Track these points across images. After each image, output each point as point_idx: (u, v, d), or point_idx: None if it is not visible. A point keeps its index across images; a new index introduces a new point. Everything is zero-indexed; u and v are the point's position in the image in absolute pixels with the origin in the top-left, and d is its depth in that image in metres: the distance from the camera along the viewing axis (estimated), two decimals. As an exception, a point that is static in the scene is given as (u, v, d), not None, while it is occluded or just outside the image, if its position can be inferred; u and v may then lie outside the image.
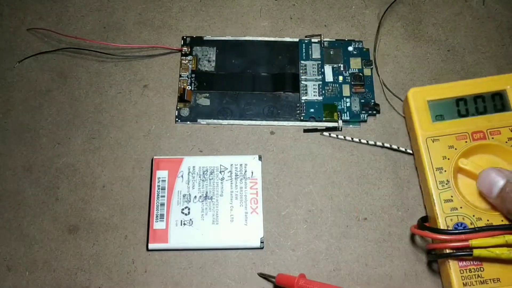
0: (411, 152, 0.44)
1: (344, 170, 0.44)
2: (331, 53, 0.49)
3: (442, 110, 0.42)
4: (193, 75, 0.48)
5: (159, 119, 0.46)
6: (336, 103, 0.47)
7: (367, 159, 0.45)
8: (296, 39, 0.49)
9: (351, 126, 0.46)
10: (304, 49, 0.49)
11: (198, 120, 0.46)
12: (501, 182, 0.33)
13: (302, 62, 0.48)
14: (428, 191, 0.40)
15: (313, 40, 0.49)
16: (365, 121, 0.46)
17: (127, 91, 0.47)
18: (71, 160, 0.44)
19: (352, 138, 0.45)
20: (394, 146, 0.44)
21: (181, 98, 0.47)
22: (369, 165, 0.44)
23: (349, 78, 0.48)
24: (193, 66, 0.48)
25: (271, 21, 0.51)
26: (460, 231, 0.36)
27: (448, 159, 0.40)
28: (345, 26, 0.50)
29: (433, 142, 0.41)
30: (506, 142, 0.40)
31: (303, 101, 0.47)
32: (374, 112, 0.46)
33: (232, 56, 0.49)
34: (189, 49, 0.49)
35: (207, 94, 0.47)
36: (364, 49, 0.49)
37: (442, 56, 0.49)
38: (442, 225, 0.38)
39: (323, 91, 0.47)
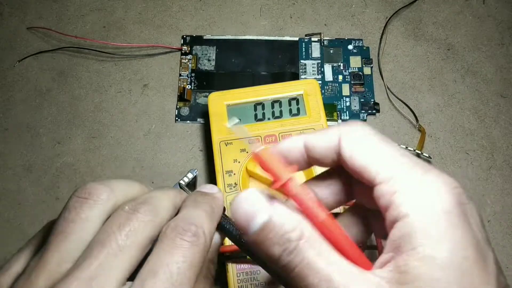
0: (411, 150, 0.44)
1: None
2: (331, 52, 0.49)
3: (239, 114, 0.42)
4: (193, 74, 0.48)
5: (159, 118, 0.46)
6: (335, 103, 0.47)
7: (367, 158, 0.45)
8: (296, 38, 0.49)
9: (351, 125, 0.46)
10: (304, 48, 0.49)
11: (198, 119, 0.46)
12: (263, 216, 0.21)
13: (302, 61, 0.48)
14: None
15: (313, 39, 0.49)
16: (365, 120, 0.46)
17: (127, 90, 0.47)
18: (71, 160, 0.44)
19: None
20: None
21: (181, 97, 0.47)
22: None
23: (348, 77, 0.48)
24: (193, 65, 0.48)
25: (271, 20, 0.51)
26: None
27: (239, 162, 0.39)
28: (345, 25, 0.50)
29: (226, 145, 0.40)
30: None
31: (303, 100, 0.47)
32: (374, 111, 0.46)
33: (232, 55, 0.49)
34: (189, 48, 0.49)
35: (207, 93, 0.47)
36: (364, 47, 0.49)
37: (442, 55, 0.49)
38: None
39: (323, 91, 0.47)
